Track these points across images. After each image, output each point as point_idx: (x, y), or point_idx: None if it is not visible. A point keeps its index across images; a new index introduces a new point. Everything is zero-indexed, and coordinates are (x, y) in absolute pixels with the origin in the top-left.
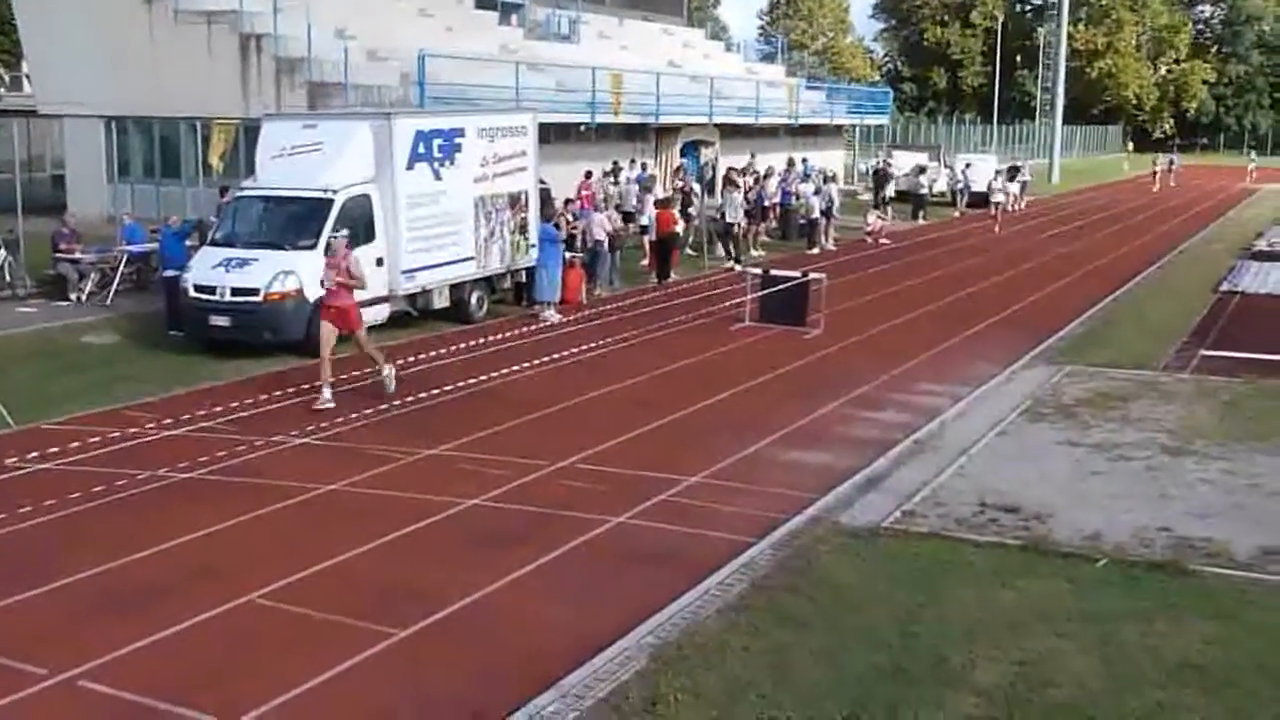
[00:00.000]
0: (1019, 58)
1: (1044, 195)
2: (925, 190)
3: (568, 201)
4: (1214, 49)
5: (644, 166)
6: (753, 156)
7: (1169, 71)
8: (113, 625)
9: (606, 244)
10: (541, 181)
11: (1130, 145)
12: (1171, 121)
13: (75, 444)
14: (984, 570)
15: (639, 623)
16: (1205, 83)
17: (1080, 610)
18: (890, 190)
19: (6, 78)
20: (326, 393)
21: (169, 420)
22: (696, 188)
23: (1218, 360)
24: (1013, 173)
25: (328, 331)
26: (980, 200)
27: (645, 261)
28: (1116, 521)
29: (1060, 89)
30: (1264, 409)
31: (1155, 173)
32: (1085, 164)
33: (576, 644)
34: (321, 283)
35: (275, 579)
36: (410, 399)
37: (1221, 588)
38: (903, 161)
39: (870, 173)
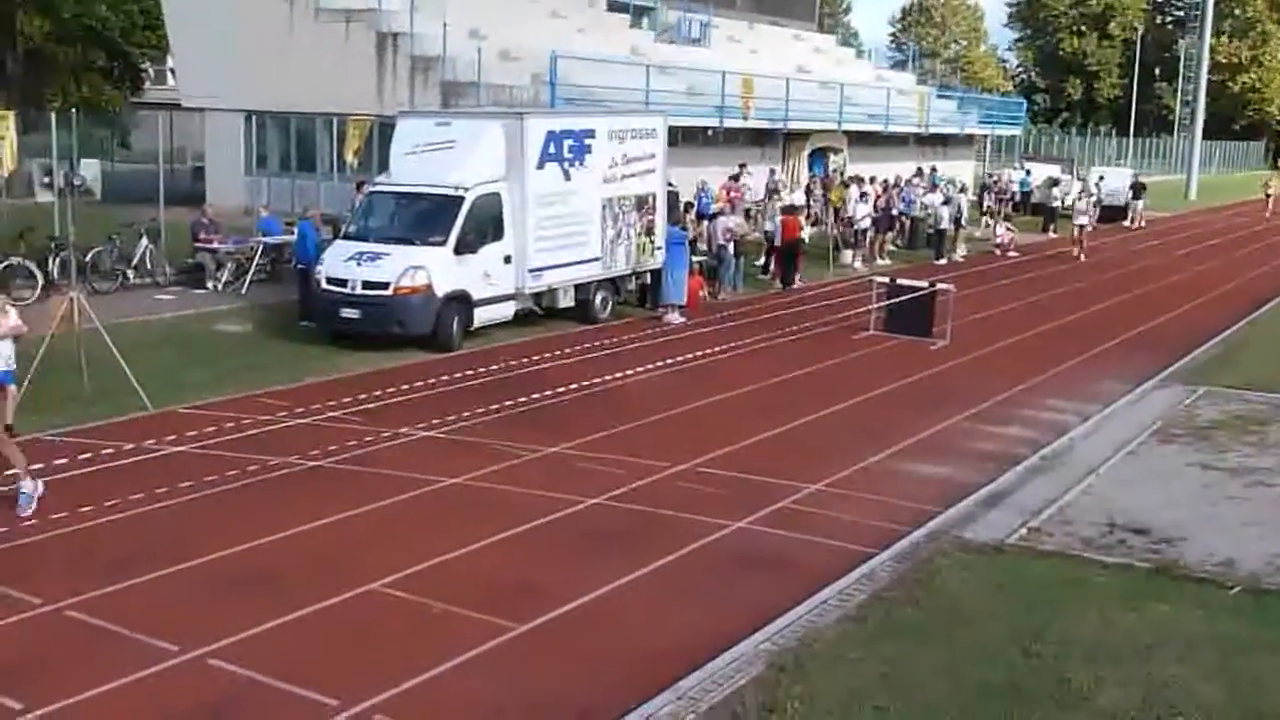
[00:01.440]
0: (1158, 70)
1: (1179, 211)
2: (1058, 203)
3: (688, 206)
4: None
5: (772, 171)
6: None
7: None
8: (241, 606)
9: (731, 248)
10: (670, 184)
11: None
12: None
13: (210, 429)
14: (1110, 592)
15: (755, 629)
16: None
17: (1209, 637)
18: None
19: (152, 71)
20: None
21: (299, 409)
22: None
23: None
24: (1137, 190)
25: None
26: (1114, 214)
27: (770, 266)
28: (1251, 548)
29: (1201, 103)
30: None
31: (1269, 196)
32: (1224, 180)
33: (692, 647)
34: None
35: (398, 569)
36: (536, 396)
37: None
38: (1036, 173)
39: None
